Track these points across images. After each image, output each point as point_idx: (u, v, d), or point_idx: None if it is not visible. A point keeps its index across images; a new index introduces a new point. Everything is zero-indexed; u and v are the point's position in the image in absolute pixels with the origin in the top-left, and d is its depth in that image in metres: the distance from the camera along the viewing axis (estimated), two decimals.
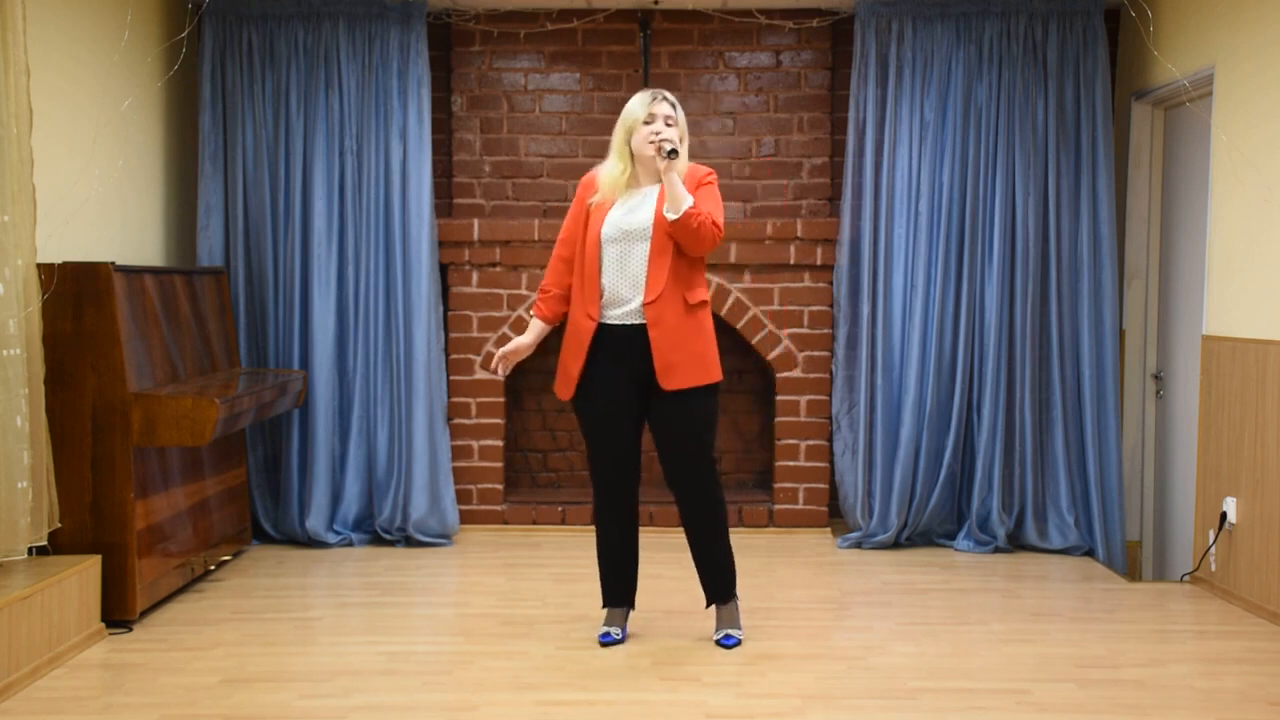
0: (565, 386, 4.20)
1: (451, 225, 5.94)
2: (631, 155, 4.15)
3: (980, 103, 5.68)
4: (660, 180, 4.10)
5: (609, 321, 4.11)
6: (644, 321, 4.08)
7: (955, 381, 5.71)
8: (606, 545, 4.31)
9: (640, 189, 4.17)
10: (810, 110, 6.13)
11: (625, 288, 4.09)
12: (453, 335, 5.99)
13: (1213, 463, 5.06)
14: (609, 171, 4.18)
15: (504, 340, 5.96)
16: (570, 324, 4.21)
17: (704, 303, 4.16)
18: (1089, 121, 5.66)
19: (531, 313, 4.29)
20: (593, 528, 5.94)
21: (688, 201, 3.98)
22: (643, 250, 4.08)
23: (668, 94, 4.15)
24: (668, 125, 4.09)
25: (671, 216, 3.99)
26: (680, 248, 4.06)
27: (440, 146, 6.17)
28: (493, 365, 4.31)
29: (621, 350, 4.11)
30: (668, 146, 3.97)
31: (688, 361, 4.08)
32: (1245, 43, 4.85)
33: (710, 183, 4.15)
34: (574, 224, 4.22)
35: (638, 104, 4.13)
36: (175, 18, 5.73)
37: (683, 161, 4.10)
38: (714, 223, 4.03)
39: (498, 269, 5.98)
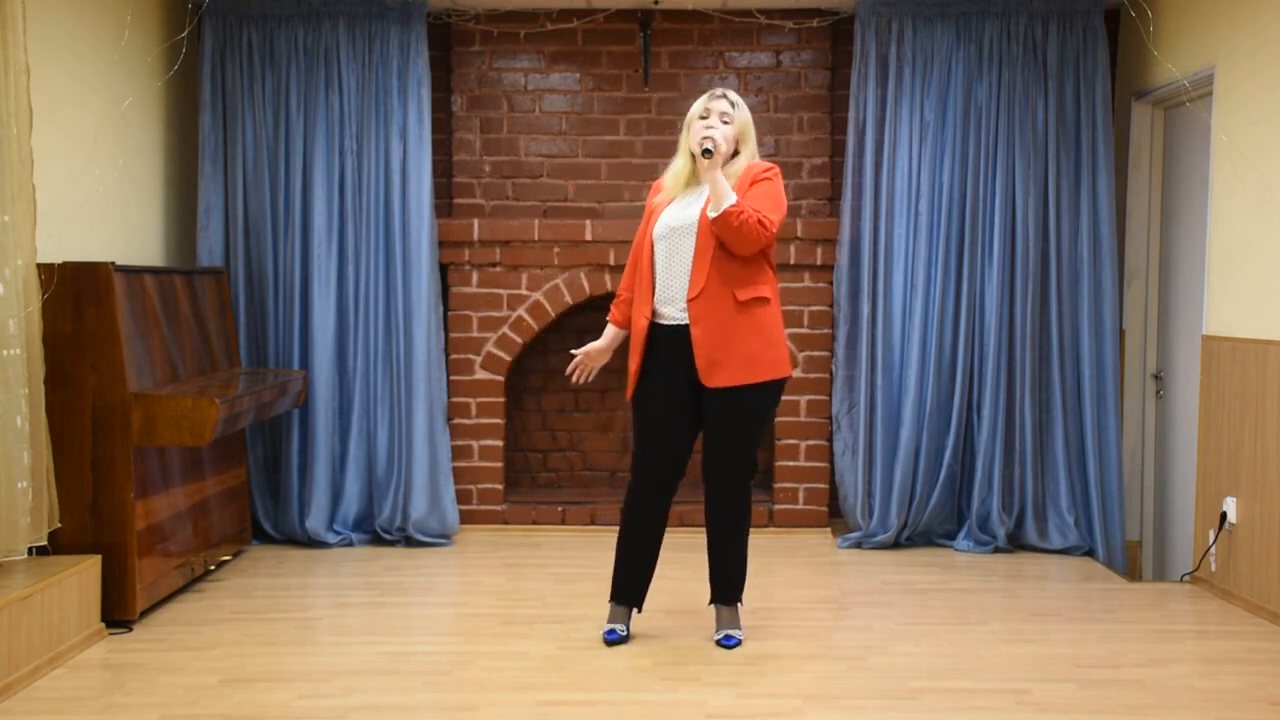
0: (629, 385, 4.21)
1: (451, 225, 5.94)
2: (692, 153, 4.15)
3: (980, 103, 5.68)
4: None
5: (661, 321, 4.11)
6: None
7: (955, 381, 5.71)
8: (630, 544, 4.27)
9: (699, 186, 4.16)
10: (810, 110, 6.12)
11: (675, 286, 4.09)
12: (453, 335, 5.99)
13: (1213, 463, 5.06)
14: (673, 168, 4.21)
15: (504, 340, 5.97)
16: (632, 324, 4.23)
17: (760, 299, 4.07)
18: (1089, 121, 5.66)
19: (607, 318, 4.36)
20: (593, 528, 5.99)
21: (729, 200, 3.94)
22: (689, 247, 4.06)
23: (729, 91, 4.13)
24: (724, 122, 4.06)
25: (711, 215, 3.97)
26: (724, 246, 4.03)
27: (440, 146, 6.17)
28: (568, 371, 4.33)
29: (674, 349, 4.09)
30: (705, 144, 3.96)
31: (733, 360, 4.03)
32: (1245, 42, 4.85)
33: (767, 179, 4.09)
34: (643, 227, 4.25)
35: (697, 101, 4.15)
36: (175, 17, 5.73)
37: (743, 159, 4.10)
38: (759, 221, 3.95)
39: (498, 269, 5.98)
